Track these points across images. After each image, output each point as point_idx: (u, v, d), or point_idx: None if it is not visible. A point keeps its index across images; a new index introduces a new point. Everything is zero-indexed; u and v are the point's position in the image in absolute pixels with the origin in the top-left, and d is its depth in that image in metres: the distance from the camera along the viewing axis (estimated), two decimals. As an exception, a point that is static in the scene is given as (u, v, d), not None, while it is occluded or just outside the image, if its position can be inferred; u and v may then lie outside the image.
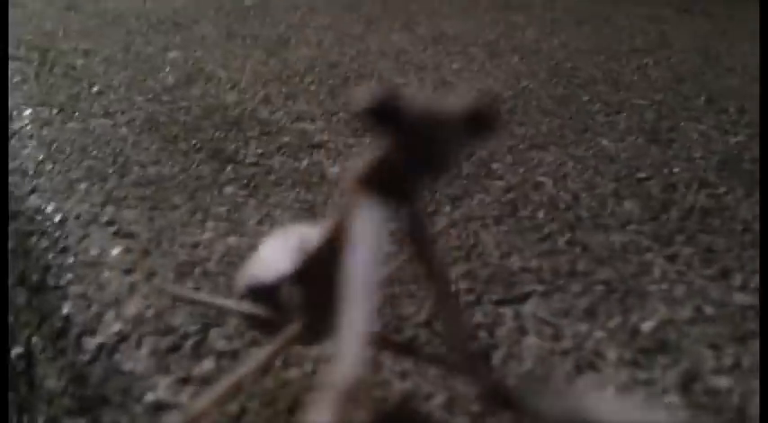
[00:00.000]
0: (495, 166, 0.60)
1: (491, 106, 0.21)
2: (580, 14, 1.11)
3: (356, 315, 0.21)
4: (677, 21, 1.09)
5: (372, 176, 0.22)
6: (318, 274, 0.27)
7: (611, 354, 0.38)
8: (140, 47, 0.89)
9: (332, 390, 0.20)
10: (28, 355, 0.46)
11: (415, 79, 0.81)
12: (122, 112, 0.67)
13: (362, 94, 0.20)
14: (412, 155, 0.21)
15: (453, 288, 0.34)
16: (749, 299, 0.43)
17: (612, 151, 0.63)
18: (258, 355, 0.29)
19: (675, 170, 0.59)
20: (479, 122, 0.21)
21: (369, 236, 0.21)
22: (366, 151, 0.22)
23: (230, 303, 0.33)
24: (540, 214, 0.52)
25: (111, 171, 0.55)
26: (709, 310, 0.42)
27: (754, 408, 0.34)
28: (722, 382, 0.36)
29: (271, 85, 0.77)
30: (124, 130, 0.63)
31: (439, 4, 1.17)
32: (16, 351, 0.47)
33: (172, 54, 0.87)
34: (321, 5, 1.15)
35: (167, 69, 0.81)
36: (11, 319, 0.50)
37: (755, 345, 0.39)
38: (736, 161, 0.61)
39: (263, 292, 0.31)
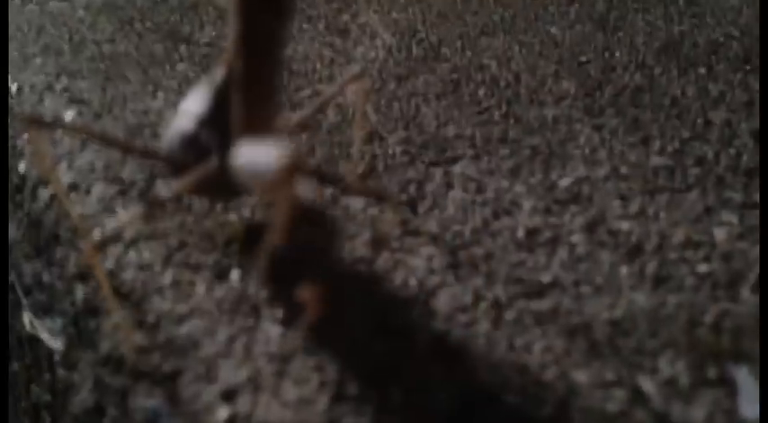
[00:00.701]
0: (443, 50, 0.62)
1: None
2: None
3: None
4: None
5: None
6: (226, 109, 0.30)
7: (527, 204, 0.41)
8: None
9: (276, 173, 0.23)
10: (-10, 215, 0.48)
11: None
12: (80, -3, 0.68)
13: None
14: None
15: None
16: (664, 161, 0.46)
17: (559, 37, 0.65)
18: (180, 183, 0.31)
19: (616, 54, 0.62)
20: None
21: None
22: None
23: (150, 149, 0.35)
24: (481, 91, 0.55)
25: (66, 47, 0.56)
26: (624, 169, 0.45)
27: (650, 245, 0.38)
28: (624, 225, 0.39)
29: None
30: (81, 12, 0.64)
31: None
32: (-21, 212, 0.50)
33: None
34: None
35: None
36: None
37: (663, 197, 0.42)
38: (676, 47, 0.63)
39: (185, 141, 0.32)
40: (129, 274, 0.34)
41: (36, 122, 0.30)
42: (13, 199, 0.45)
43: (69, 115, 0.47)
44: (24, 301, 0.39)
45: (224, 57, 0.29)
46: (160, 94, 0.50)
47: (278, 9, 0.25)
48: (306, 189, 0.26)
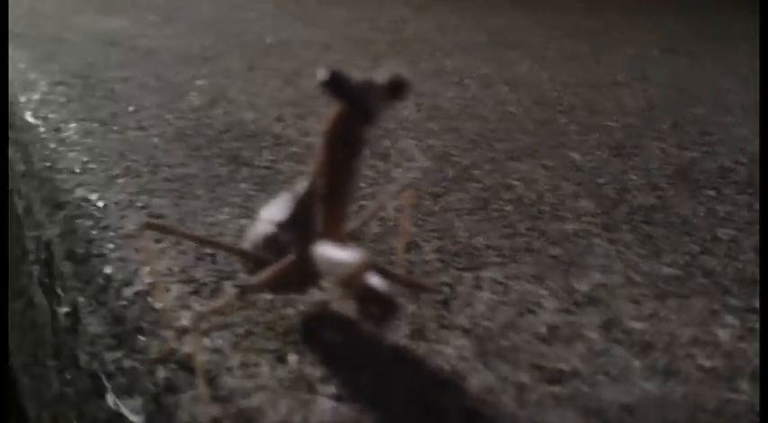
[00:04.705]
0: (474, 172, 0.69)
1: (403, 78, 0.31)
2: (571, 53, 1.21)
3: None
4: (660, 59, 1.19)
5: (333, 129, 0.32)
6: (306, 216, 0.37)
7: (549, 305, 0.46)
8: (171, 76, 1.00)
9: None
10: (74, 313, 0.55)
11: (412, 105, 0.90)
12: (154, 127, 0.77)
13: (320, 73, 0.30)
14: (356, 111, 0.31)
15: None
16: (674, 271, 0.51)
17: (579, 162, 0.72)
18: (258, 277, 0.38)
19: (632, 177, 0.68)
20: (397, 88, 0.31)
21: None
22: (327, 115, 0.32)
23: (239, 248, 0.42)
24: (508, 208, 0.61)
25: (144, 170, 0.65)
26: (637, 278, 0.50)
27: (661, 342, 0.42)
28: (637, 325, 0.44)
29: (285, 107, 0.87)
30: (156, 140, 0.73)
31: (442, 43, 1.28)
32: (63, 310, 0.56)
33: (198, 82, 0.98)
34: (335, 44, 1.26)
35: (194, 94, 0.91)
36: (58, 288, 0.59)
37: (672, 302, 0.47)
38: (687, 171, 0.70)
39: (266, 243, 0.39)
40: (203, 357, 0.39)
41: (153, 227, 0.37)
42: (97, 298, 0.51)
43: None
44: (108, 385, 0.45)
45: (310, 175, 0.36)
46: (225, 209, 0.58)
47: (354, 148, 0.33)
48: (377, 282, 0.32)
